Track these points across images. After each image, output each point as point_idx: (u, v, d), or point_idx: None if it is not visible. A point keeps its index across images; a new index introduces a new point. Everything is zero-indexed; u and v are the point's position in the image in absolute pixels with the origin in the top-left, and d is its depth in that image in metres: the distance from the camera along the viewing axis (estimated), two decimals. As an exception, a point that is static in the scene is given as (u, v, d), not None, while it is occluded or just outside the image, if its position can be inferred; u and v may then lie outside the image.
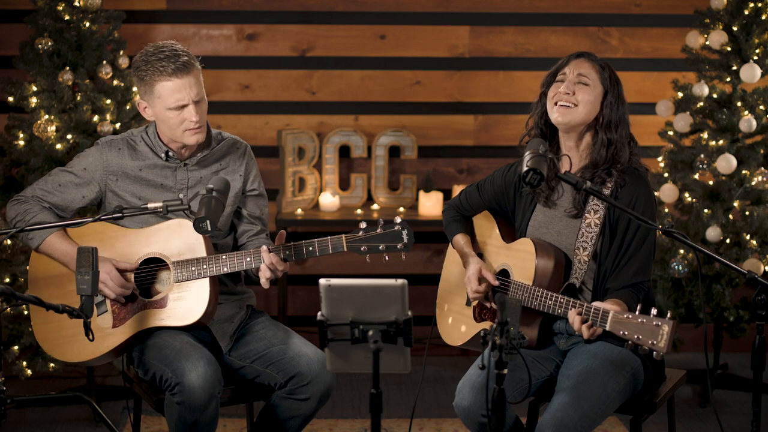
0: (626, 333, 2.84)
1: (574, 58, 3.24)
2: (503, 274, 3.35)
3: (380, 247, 3.22)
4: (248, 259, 3.26)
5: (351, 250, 3.23)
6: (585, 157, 3.24)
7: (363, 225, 3.24)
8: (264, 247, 3.23)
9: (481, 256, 3.46)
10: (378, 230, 3.23)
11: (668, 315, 2.80)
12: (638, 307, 2.88)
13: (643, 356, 3.17)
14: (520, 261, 3.26)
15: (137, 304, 3.31)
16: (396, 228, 3.22)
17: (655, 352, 2.78)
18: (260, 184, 3.52)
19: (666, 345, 2.76)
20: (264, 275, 3.23)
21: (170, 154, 3.37)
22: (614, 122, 3.19)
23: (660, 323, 2.78)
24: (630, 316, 2.85)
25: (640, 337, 2.80)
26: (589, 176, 3.18)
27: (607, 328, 2.91)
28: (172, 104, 3.25)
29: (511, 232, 3.43)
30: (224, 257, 3.26)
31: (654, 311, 2.82)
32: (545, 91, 3.26)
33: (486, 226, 3.50)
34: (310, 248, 3.24)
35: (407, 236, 3.22)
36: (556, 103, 3.19)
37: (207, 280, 3.27)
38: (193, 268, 3.27)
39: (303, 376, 3.25)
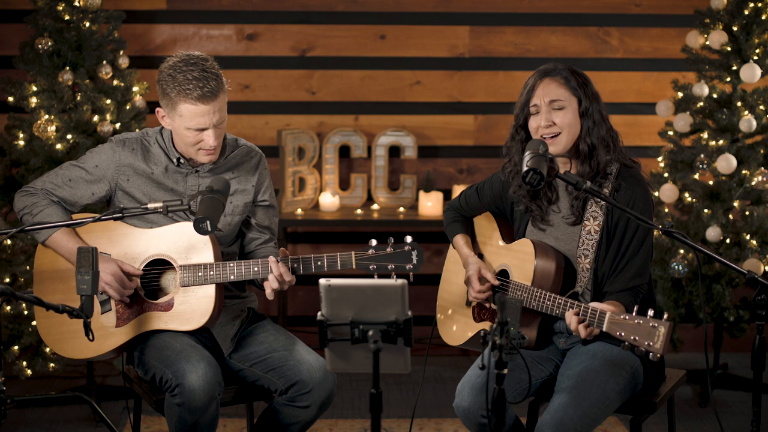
0: (623, 334, 2.84)
1: (539, 81, 3.20)
2: (503, 274, 3.35)
3: (389, 267, 3.21)
4: (256, 268, 3.24)
5: (359, 268, 3.22)
6: (575, 171, 3.23)
7: (373, 242, 3.22)
8: (272, 258, 3.21)
9: (481, 256, 3.46)
10: (388, 249, 3.21)
11: (665, 316, 2.80)
12: (635, 309, 2.88)
13: (642, 356, 3.17)
14: (520, 261, 3.26)
15: (142, 305, 3.30)
16: (406, 248, 3.21)
17: (651, 354, 2.78)
18: (271, 196, 3.50)
19: (662, 346, 2.76)
20: (271, 286, 3.21)
21: (182, 161, 3.36)
22: (593, 126, 3.17)
23: (656, 324, 2.78)
24: (627, 317, 2.84)
25: (637, 338, 2.80)
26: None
27: (604, 329, 2.91)
28: (192, 126, 3.22)
29: (511, 233, 3.43)
30: (232, 265, 3.25)
31: (650, 312, 2.82)
32: (522, 123, 3.24)
33: (486, 226, 3.50)
34: (319, 263, 3.22)
35: (417, 257, 3.21)
36: (542, 136, 3.18)
37: (213, 286, 3.26)
38: (200, 274, 3.26)
39: (304, 384, 3.24)
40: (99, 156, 3.38)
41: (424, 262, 3.22)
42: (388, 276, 3.23)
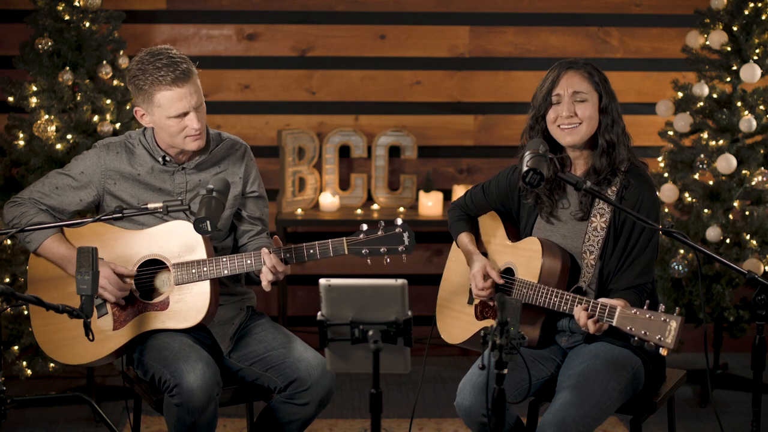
0: (633, 329, 2.84)
1: (563, 72, 3.20)
2: (508, 272, 3.36)
3: (381, 250, 3.22)
4: (248, 261, 3.25)
5: (352, 253, 3.22)
6: (587, 162, 3.25)
7: (364, 227, 3.22)
8: (264, 250, 3.21)
9: (486, 255, 3.46)
10: (379, 233, 3.22)
11: (676, 311, 2.81)
12: (647, 304, 2.88)
13: (643, 356, 3.18)
14: (526, 259, 3.27)
15: (137, 307, 3.31)
16: (397, 230, 3.22)
17: (662, 348, 2.79)
18: (260, 186, 3.51)
19: (674, 340, 2.77)
20: (266, 278, 3.22)
21: (167, 158, 3.36)
22: (611, 123, 3.20)
23: (668, 319, 2.79)
24: (637, 312, 2.85)
25: (647, 332, 2.81)
26: (594, 180, 3.18)
27: (614, 324, 2.91)
28: (173, 113, 3.23)
29: (516, 232, 3.43)
30: (224, 259, 3.26)
31: (662, 307, 2.83)
32: (543, 114, 3.24)
33: (491, 225, 3.51)
34: (311, 251, 3.23)
35: (408, 239, 3.21)
36: (559, 126, 3.19)
37: (207, 282, 3.26)
38: (194, 271, 3.26)
39: (303, 381, 3.24)
40: (84, 162, 3.39)
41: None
42: (381, 259, 3.23)
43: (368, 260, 3.24)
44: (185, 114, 3.24)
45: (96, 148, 3.41)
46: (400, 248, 3.22)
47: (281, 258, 3.21)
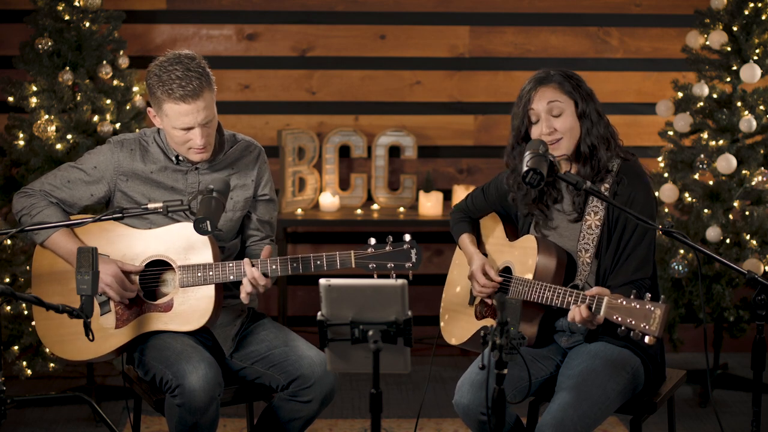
0: (619, 318, 2.85)
1: (534, 91, 3.20)
2: (506, 271, 3.37)
3: (389, 266, 3.24)
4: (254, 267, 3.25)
5: (359, 267, 3.23)
6: (574, 170, 3.25)
7: (372, 241, 3.24)
8: (246, 260, 3.21)
9: (486, 255, 3.47)
10: (387, 248, 3.23)
11: (662, 299, 2.80)
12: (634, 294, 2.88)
13: (643, 356, 3.18)
14: (523, 257, 3.28)
15: (141, 306, 3.31)
16: (405, 247, 3.23)
17: (647, 336, 2.78)
18: (271, 189, 3.50)
19: (658, 328, 2.76)
20: (245, 289, 3.22)
21: (180, 158, 3.36)
22: (592, 126, 3.19)
23: (653, 307, 2.79)
24: (623, 301, 2.86)
25: (633, 321, 2.81)
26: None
27: (602, 314, 2.91)
28: (178, 125, 3.22)
29: (515, 232, 3.44)
30: (231, 265, 3.25)
31: (648, 296, 2.83)
32: (524, 133, 3.23)
33: (491, 226, 3.52)
34: (318, 262, 3.23)
35: (416, 256, 3.24)
36: None
37: (212, 286, 3.26)
38: (199, 274, 3.26)
39: (306, 379, 3.25)
40: (97, 157, 3.38)
41: (422, 261, 3.23)
42: (388, 275, 3.24)
43: (375, 275, 3.25)
44: (190, 128, 3.23)
45: (110, 144, 3.39)
46: (407, 265, 3.24)
47: (267, 271, 3.21)
